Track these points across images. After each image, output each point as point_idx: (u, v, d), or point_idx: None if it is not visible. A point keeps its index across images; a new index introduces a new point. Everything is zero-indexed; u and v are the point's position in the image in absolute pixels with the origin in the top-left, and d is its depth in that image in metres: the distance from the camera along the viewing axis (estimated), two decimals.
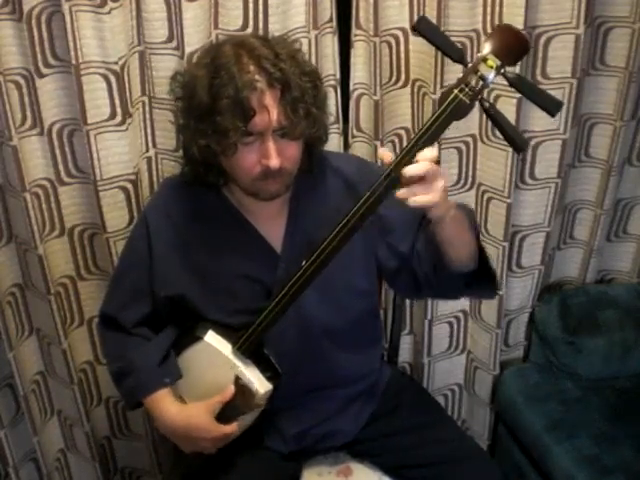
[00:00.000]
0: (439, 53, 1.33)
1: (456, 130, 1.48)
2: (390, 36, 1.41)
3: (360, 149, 1.52)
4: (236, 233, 1.20)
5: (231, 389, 1.14)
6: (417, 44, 1.40)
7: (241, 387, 1.13)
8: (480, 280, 1.15)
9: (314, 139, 1.15)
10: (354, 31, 1.41)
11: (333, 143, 1.47)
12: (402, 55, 1.43)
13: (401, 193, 0.91)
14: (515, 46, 0.95)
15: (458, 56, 0.95)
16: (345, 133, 1.51)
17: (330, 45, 1.39)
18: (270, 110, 1.02)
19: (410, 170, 0.91)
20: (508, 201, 1.51)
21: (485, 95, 0.95)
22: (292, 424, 1.27)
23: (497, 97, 1.42)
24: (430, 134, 0.92)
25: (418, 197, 0.91)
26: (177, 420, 1.16)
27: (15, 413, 1.53)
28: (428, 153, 0.92)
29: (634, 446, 1.43)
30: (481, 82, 0.93)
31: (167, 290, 1.21)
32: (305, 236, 1.18)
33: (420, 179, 0.91)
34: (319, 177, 1.22)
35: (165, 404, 1.17)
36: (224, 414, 1.15)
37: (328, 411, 1.29)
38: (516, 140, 0.96)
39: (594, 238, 1.68)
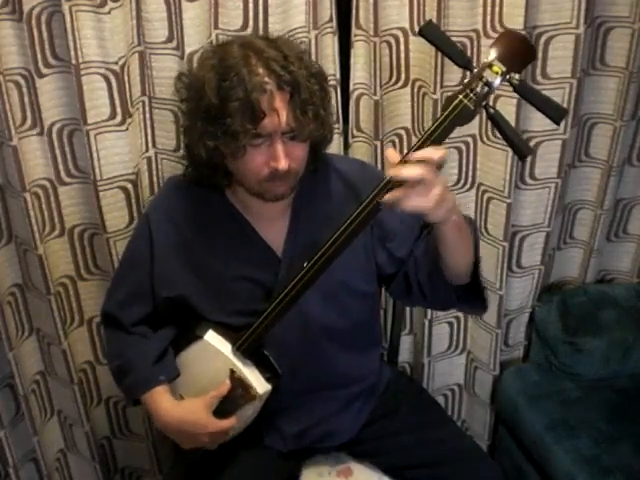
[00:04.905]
0: (439, 53, 1.33)
1: (456, 130, 1.47)
2: (390, 36, 1.41)
3: (360, 149, 1.52)
4: (237, 235, 1.20)
5: (227, 384, 1.14)
6: (417, 44, 1.40)
7: (237, 381, 1.13)
8: (471, 295, 1.15)
9: (320, 140, 1.15)
10: (354, 31, 1.41)
11: (333, 143, 1.45)
12: (402, 55, 1.43)
13: (390, 195, 0.91)
14: (521, 53, 0.94)
15: (463, 62, 0.94)
16: (345, 133, 1.50)
17: (330, 45, 1.39)
18: (280, 112, 1.02)
19: (403, 173, 0.90)
20: (508, 201, 1.51)
21: (490, 101, 0.94)
22: (292, 423, 1.28)
23: (497, 97, 1.42)
24: (433, 139, 0.92)
25: (411, 202, 0.91)
26: (174, 416, 1.16)
27: (15, 413, 1.52)
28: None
29: (634, 446, 1.43)
30: (486, 88, 0.92)
31: (168, 290, 1.21)
32: (307, 238, 1.18)
33: (417, 183, 0.90)
34: (321, 179, 1.22)
35: (162, 401, 1.17)
36: (222, 409, 1.15)
37: (328, 411, 1.29)
38: (521, 147, 0.95)
39: (594, 238, 1.68)
